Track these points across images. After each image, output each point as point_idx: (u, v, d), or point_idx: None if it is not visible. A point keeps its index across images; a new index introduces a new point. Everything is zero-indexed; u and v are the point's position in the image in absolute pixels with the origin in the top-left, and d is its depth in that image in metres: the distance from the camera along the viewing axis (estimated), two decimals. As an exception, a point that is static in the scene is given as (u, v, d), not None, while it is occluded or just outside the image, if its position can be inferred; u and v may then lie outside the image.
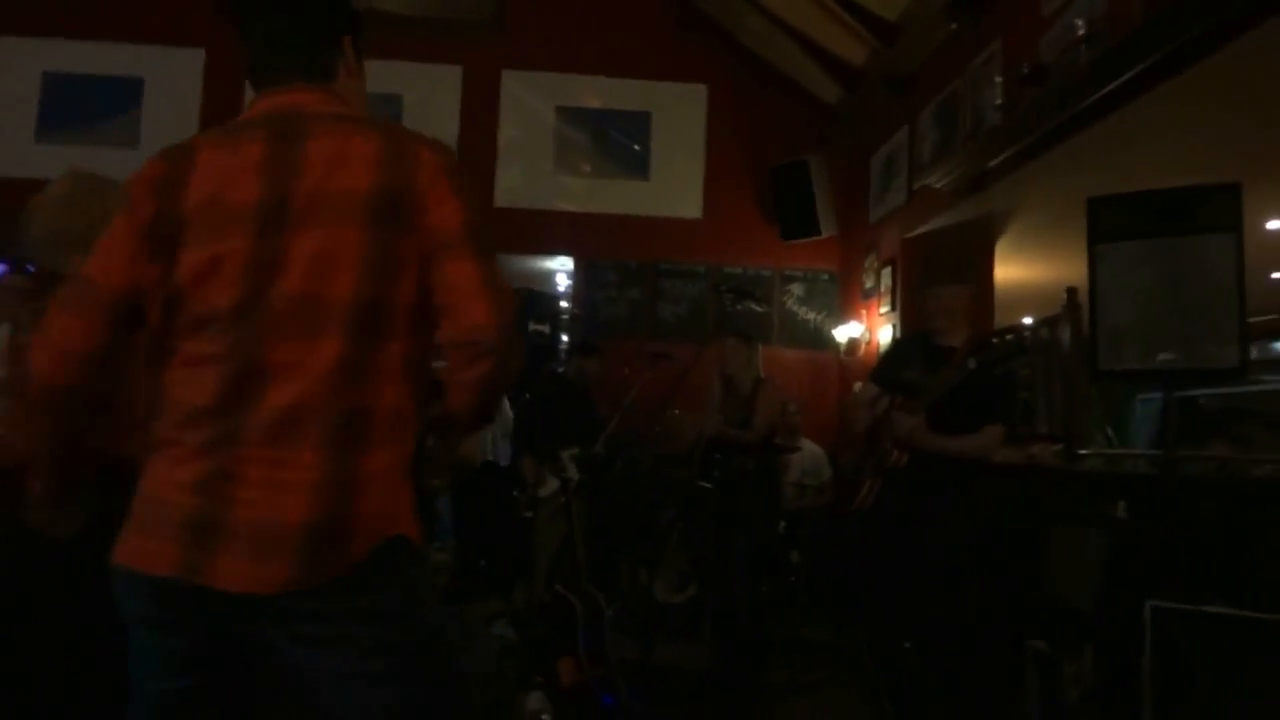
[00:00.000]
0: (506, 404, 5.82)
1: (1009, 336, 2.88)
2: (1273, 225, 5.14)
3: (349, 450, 1.22)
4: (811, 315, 6.79)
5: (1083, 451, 4.51)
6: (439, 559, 6.80)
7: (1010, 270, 6.03)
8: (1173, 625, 2.67)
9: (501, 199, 6.68)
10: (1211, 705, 2.53)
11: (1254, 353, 7.86)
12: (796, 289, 6.81)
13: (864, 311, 6.27)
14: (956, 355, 2.92)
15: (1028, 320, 6.35)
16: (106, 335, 1.26)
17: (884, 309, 5.84)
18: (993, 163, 4.29)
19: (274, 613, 1.19)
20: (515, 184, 6.73)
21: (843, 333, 6.41)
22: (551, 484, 4.25)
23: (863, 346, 6.17)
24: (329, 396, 1.22)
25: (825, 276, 6.83)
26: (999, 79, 4.22)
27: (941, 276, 3.13)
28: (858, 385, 3.42)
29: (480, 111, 6.72)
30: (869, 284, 6.17)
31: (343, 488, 1.20)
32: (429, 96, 6.63)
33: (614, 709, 3.13)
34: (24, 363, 1.26)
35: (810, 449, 5.70)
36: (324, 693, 1.24)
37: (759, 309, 6.56)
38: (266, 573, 1.17)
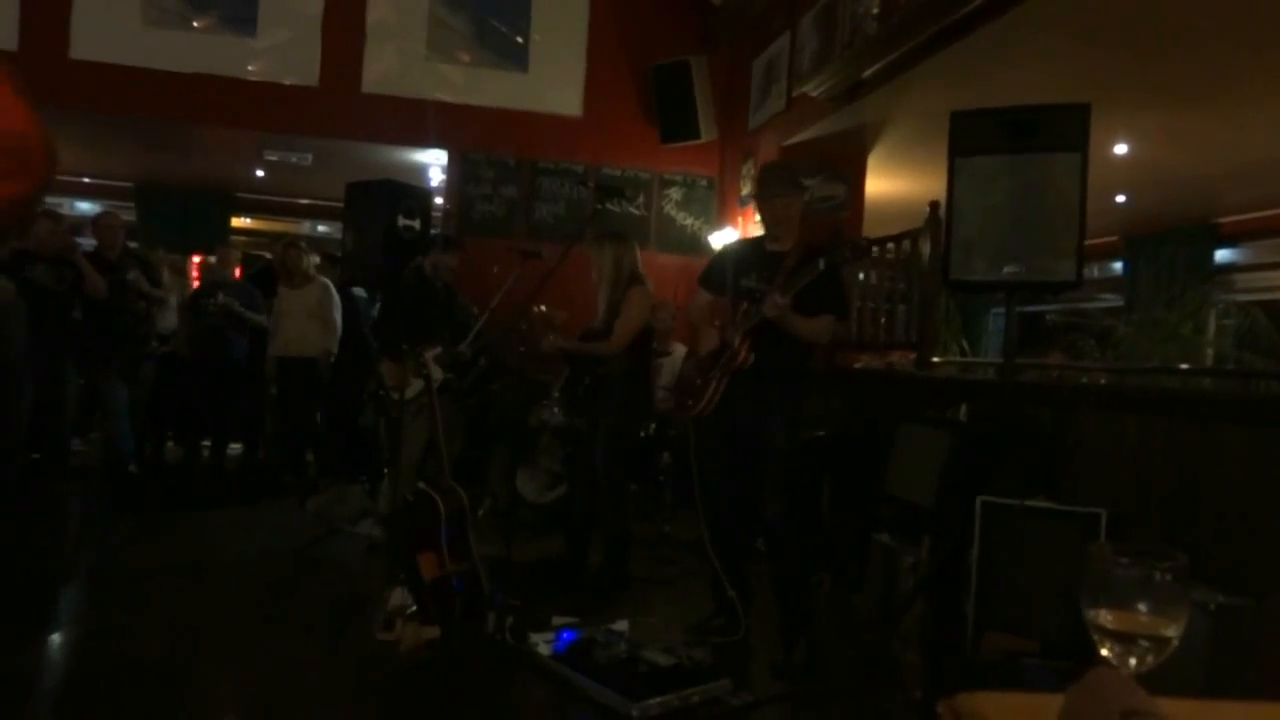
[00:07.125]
0: (334, 293, 5.64)
1: (849, 242, 3.08)
2: (1119, 150, 5.42)
3: None
4: (689, 220, 6.80)
5: (935, 359, 4.76)
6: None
7: (881, 184, 6.18)
8: (999, 518, 2.90)
9: (370, 84, 6.31)
10: (1028, 589, 2.78)
11: (1094, 272, 8.41)
12: (675, 193, 6.78)
13: (740, 218, 6.32)
14: (787, 260, 3.04)
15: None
16: None
17: (760, 216, 5.90)
18: (867, 72, 4.33)
19: None
20: (386, 70, 6.35)
21: (719, 239, 6.46)
22: (416, 385, 4.15)
23: (737, 253, 6.24)
24: None
25: (704, 182, 6.82)
26: (878, -12, 4.23)
27: (776, 186, 3.20)
28: (702, 298, 3.45)
29: (347, -13, 6.28)
30: (746, 190, 6.21)
31: None
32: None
33: (474, 601, 3.17)
34: None
35: (682, 354, 5.78)
36: None
37: (634, 211, 6.50)
38: None
